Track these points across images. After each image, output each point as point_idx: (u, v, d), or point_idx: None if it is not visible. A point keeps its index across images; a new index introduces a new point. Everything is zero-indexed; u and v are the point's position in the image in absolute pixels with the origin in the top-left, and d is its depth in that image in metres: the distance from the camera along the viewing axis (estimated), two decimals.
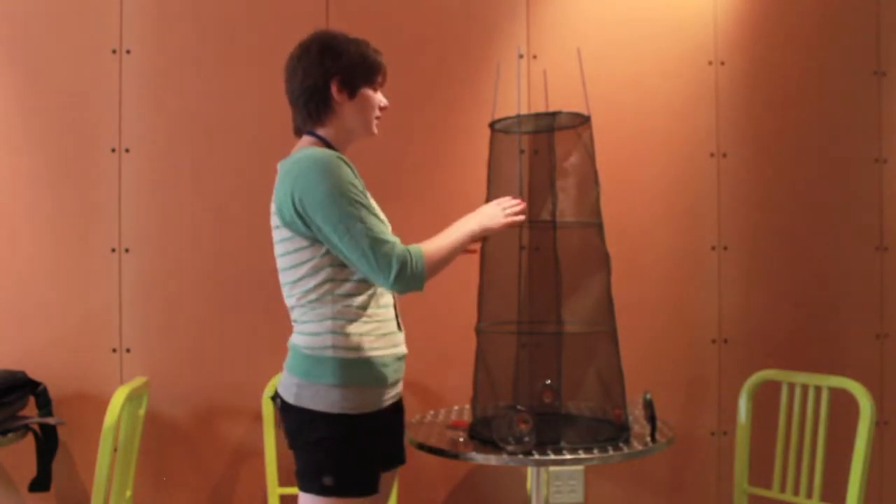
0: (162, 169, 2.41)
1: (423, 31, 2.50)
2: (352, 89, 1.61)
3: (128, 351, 2.38)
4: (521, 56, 2.51)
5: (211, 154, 2.42)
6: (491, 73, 2.46)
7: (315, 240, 1.53)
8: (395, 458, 1.72)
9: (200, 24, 2.43)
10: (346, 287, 1.55)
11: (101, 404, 2.03)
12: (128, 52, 2.40)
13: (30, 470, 2.22)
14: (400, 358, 1.65)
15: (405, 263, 1.48)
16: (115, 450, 2.00)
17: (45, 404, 2.27)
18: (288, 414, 1.57)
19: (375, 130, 1.68)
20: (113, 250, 2.39)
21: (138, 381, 2.17)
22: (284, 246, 1.57)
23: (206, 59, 2.42)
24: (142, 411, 2.23)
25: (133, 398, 2.09)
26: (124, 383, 2.22)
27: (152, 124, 2.41)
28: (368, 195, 1.59)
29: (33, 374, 2.29)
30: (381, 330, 1.60)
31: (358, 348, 1.55)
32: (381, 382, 1.58)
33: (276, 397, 1.61)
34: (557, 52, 2.52)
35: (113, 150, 2.40)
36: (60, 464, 2.30)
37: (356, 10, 2.46)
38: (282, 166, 1.59)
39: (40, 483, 2.21)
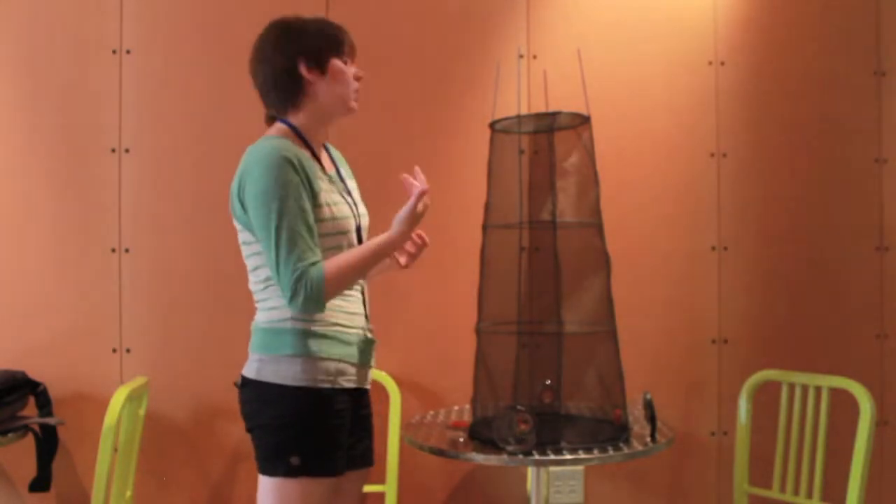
0: (162, 169, 2.41)
1: (423, 32, 2.50)
2: (321, 65, 1.58)
3: (128, 351, 2.38)
4: (521, 56, 2.51)
5: (211, 154, 2.41)
6: (491, 73, 2.46)
7: None
8: (361, 457, 1.68)
9: (200, 24, 2.43)
10: None
11: (101, 404, 2.03)
12: (128, 52, 2.40)
13: (30, 470, 2.22)
14: (368, 341, 1.62)
15: (299, 289, 1.45)
16: (115, 450, 2.00)
17: (45, 404, 2.27)
18: (247, 391, 1.56)
19: (355, 105, 1.63)
20: (113, 250, 2.39)
21: (138, 381, 2.18)
22: (241, 236, 1.59)
23: (206, 59, 2.42)
24: (142, 411, 2.23)
25: (133, 398, 2.09)
26: (124, 383, 2.22)
27: (152, 124, 2.41)
28: (325, 191, 1.55)
29: (33, 374, 2.29)
30: (347, 308, 1.59)
31: (320, 321, 1.54)
32: (344, 357, 1.56)
33: (236, 381, 1.60)
34: (557, 52, 2.52)
35: (113, 151, 2.40)
36: (60, 464, 2.30)
37: (356, 10, 2.46)
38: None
39: (40, 483, 2.21)
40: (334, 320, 1.56)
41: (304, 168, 1.50)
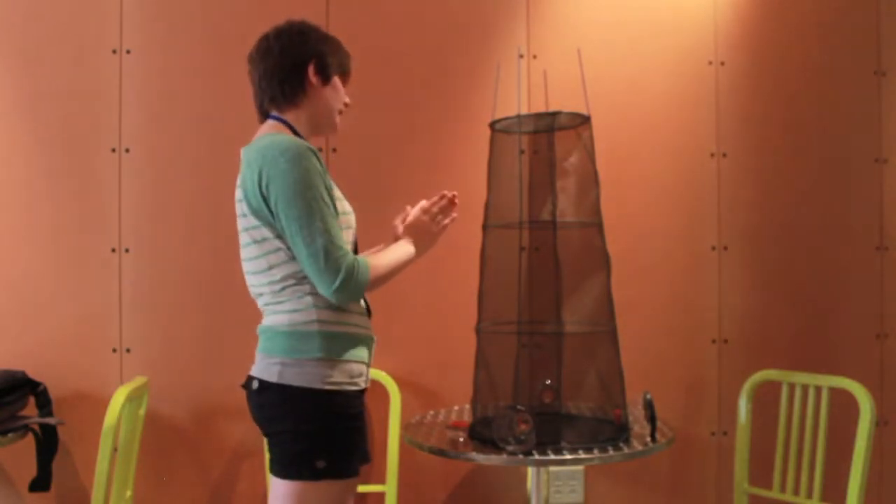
0: (162, 169, 2.41)
1: (423, 31, 2.50)
2: (326, 75, 1.62)
3: (128, 351, 2.38)
4: (521, 56, 2.51)
5: (211, 154, 2.41)
6: (491, 73, 2.46)
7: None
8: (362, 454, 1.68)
9: (200, 25, 2.43)
10: None
11: (101, 404, 2.04)
12: (128, 52, 2.40)
13: (30, 470, 2.22)
14: (374, 340, 1.63)
15: (352, 273, 1.46)
16: (115, 450, 2.00)
17: (45, 404, 2.27)
18: (267, 395, 1.51)
19: (338, 123, 1.69)
20: (113, 250, 2.39)
21: (138, 381, 2.18)
22: (252, 234, 1.52)
23: (206, 60, 2.42)
24: (142, 411, 2.23)
25: (133, 398, 2.09)
26: (124, 383, 2.22)
27: (152, 124, 2.41)
28: (335, 187, 1.57)
29: (33, 374, 2.29)
30: (358, 309, 1.59)
31: (342, 322, 1.53)
32: (361, 359, 1.56)
33: (246, 384, 1.56)
34: (557, 52, 2.52)
35: (113, 150, 2.40)
36: (60, 464, 2.30)
37: (356, 10, 2.46)
38: (246, 152, 1.55)
39: (40, 483, 2.21)
40: (353, 321, 1.56)
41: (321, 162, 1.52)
